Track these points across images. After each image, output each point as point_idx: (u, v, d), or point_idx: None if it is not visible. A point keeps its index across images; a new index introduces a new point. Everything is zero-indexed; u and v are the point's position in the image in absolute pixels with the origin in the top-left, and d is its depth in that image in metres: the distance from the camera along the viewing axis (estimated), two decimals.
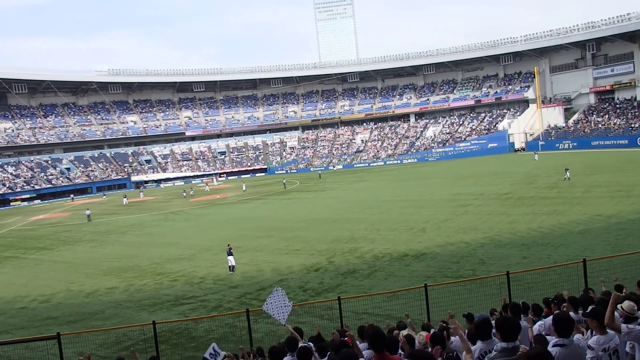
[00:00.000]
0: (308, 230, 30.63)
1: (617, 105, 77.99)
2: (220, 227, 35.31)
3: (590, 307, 5.54)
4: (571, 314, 6.59)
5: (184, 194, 61.87)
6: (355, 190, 50.74)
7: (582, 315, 5.68)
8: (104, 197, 72.53)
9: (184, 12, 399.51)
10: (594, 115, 78.40)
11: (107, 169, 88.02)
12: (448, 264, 19.89)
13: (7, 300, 21.52)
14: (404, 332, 8.09)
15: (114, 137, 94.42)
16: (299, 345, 6.96)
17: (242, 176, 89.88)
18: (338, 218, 33.80)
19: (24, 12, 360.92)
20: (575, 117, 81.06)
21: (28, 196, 75.99)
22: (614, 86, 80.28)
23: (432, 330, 8.19)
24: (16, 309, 20.10)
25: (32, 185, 78.22)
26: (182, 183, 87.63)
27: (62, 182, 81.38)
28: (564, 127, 79.88)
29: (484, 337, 5.40)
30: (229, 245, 23.21)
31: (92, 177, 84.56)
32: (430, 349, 5.73)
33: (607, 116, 76.16)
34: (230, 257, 22.40)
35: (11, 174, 79.65)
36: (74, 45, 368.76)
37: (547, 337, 5.97)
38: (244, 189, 61.12)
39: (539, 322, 7.40)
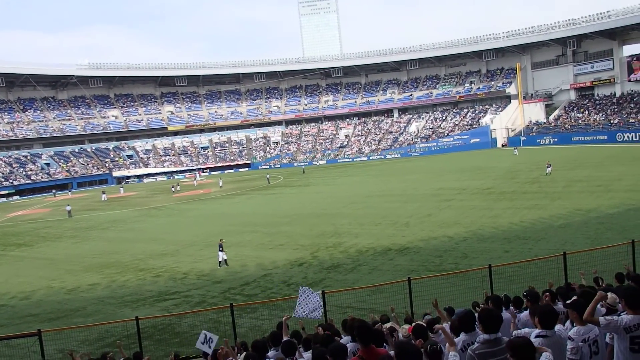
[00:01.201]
0: (292, 225, 30.63)
1: (597, 102, 79.13)
2: (204, 223, 35.14)
3: (572, 299, 5.63)
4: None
5: (173, 188, 61.31)
6: (339, 185, 50.84)
7: (563, 307, 5.79)
8: (69, 193, 71.80)
9: (168, 8, 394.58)
10: (574, 111, 79.47)
11: (88, 164, 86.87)
12: (431, 257, 20.06)
13: None
14: (387, 325, 8.14)
15: (95, 132, 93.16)
16: (284, 340, 6.97)
17: (225, 171, 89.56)
18: (322, 213, 33.85)
19: (6, 5, 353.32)
20: (556, 112, 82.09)
21: (7, 192, 74.46)
22: (593, 83, 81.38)
23: (414, 323, 8.25)
24: None
25: (10, 181, 76.75)
26: (165, 178, 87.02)
27: (42, 177, 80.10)
28: (545, 122, 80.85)
29: (468, 329, 5.46)
30: (221, 240, 23.03)
31: (72, 173, 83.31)
32: (413, 341, 5.78)
33: (587, 112, 77.24)
34: (220, 253, 22.30)
35: None
36: (57, 39, 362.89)
37: (526, 328, 6.07)
38: (220, 185, 60.67)
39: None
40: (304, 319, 10.10)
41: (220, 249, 22.37)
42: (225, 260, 22.24)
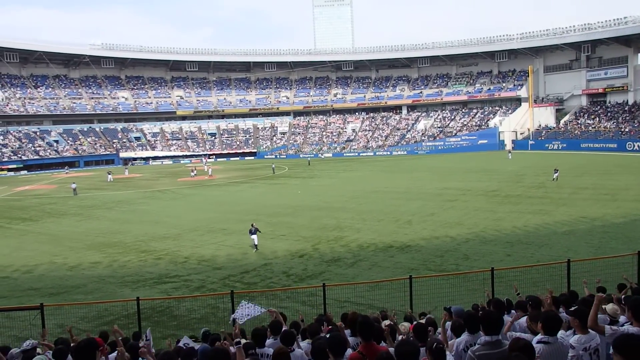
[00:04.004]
0: (294, 216, 30.65)
1: (609, 109, 78.55)
2: (207, 209, 35.22)
3: (574, 307, 5.60)
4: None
5: (193, 173, 60.95)
6: (343, 179, 50.78)
7: (566, 314, 5.76)
8: (67, 171, 71.78)
9: None
10: (585, 118, 78.95)
11: (95, 143, 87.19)
12: (432, 257, 20.03)
13: None
14: (386, 323, 8.14)
15: (104, 112, 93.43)
16: (283, 329, 6.99)
17: (231, 159, 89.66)
18: (325, 206, 33.84)
19: None
20: (566, 118, 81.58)
21: (15, 166, 75.39)
22: (606, 89, 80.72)
23: (415, 322, 8.25)
24: None
25: (19, 155, 77.43)
26: (171, 162, 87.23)
27: (50, 154, 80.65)
28: (554, 127, 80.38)
29: (472, 330, 5.45)
30: (252, 224, 23.09)
31: (80, 151, 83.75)
32: (413, 339, 5.78)
33: (597, 119, 76.74)
34: (254, 236, 22.45)
35: None
36: (67, 17, 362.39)
37: (523, 334, 6.06)
38: (209, 173, 60.14)
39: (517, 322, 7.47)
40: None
41: (253, 232, 22.49)
42: (254, 245, 22.40)
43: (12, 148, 78.57)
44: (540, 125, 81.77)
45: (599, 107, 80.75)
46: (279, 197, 39.53)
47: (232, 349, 6.67)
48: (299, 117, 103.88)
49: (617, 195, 31.90)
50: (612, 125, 73.08)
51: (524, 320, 7.03)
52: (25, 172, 74.89)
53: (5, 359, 7.44)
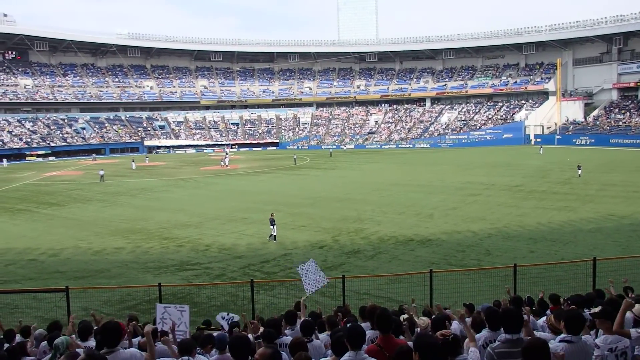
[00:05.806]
0: (315, 207, 30.68)
1: None
2: (228, 198, 35.47)
3: (599, 307, 5.45)
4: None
5: (222, 163, 61.21)
6: (365, 171, 50.61)
7: (590, 315, 5.62)
8: (94, 158, 72.68)
9: None
10: (615, 112, 77.10)
11: (121, 131, 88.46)
12: (453, 252, 19.85)
13: (18, 251, 22.00)
14: (404, 316, 8.10)
15: (130, 100, 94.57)
16: (302, 319, 6.99)
17: (253, 149, 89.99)
18: (346, 198, 33.78)
19: None
20: (595, 112, 79.78)
21: (43, 152, 77.17)
22: (638, 83, 78.46)
23: (433, 316, 8.19)
24: (26, 260, 20.54)
25: (47, 142, 79.06)
26: (194, 151, 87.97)
27: (77, 141, 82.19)
28: (582, 122, 78.73)
29: (494, 327, 5.37)
30: (272, 214, 23.20)
31: (106, 139, 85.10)
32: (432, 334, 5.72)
33: (628, 114, 74.87)
34: (273, 227, 22.59)
35: (28, 129, 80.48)
36: (94, 5, 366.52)
37: (543, 333, 5.95)
38: (227, 163, 60.31)
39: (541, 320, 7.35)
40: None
41: (272, 223, 22.59)
42: (274, 235, 22.50)
43: (41, 134, 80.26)
44: (567, 120, 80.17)
45: (630, 101, 78.73)
46: (300, 188, 39.58)
47: (251, 337, 6.72)
48: (321, 108, 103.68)
49: None
50: None
51: (543, 319, 6.93)
52: (53, 158, 76.45)
53: (31, 339, 7.60)
